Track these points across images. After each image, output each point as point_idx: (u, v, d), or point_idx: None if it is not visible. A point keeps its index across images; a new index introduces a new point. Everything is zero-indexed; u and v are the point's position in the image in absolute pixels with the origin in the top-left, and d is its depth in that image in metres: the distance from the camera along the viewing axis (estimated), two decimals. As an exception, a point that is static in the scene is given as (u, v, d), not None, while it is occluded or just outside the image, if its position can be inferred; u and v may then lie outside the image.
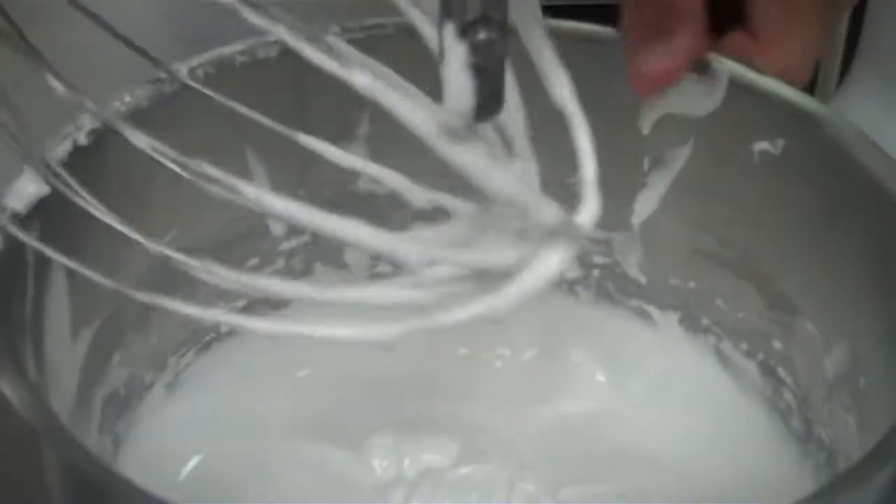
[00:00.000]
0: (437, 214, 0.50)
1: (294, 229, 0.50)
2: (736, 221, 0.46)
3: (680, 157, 0.47)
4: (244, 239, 0.48)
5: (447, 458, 0.47)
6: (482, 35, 0.32)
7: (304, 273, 0.51)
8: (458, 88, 0.32)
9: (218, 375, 0.49)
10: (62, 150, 0.40)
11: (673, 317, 0.50)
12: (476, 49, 0.31)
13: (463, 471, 0.47)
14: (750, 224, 0.46)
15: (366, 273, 0.52)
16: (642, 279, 0.50)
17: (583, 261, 0.51)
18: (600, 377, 0.51)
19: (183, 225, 0.46)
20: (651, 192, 0.48)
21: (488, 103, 0.33)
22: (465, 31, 0.32)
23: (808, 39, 0.44)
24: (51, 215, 0.39)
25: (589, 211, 0.38)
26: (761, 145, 0.44)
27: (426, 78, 0.35)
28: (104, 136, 0.41)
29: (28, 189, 0.38)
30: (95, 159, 0.41)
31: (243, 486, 0.46)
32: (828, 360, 0.43)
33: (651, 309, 0.51)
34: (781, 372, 0.47)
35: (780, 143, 0.44)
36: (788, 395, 0.46)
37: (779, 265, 0.45)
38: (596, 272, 0.51)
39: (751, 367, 0.48)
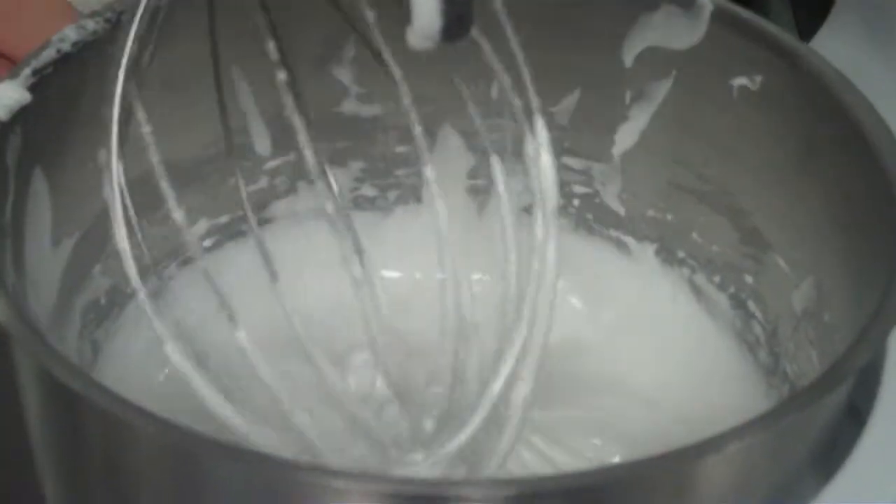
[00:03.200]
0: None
1: (279, 148, 0.51)
2: (713, 156, 0.47)
3: (661, 91, 0.47)
4: (228, 155, 0.49)
5: (419, 378, 0.48)
6: None
7: (287, 192, 0.52)
8: (426, 10, 0.32)
9: (200, 289, 0.49)
10: (46, 56, 0.40)
11: (649, 248, 0.51)
12: None
13: (434, 390, 0.48)
14: (727, 159, 0.46)
15: (349, 196, 0.53)
16: (621, 210, 0.51)
17: (563, 190, 0.52)
18: (576, 304, 0.52)
19: (167, 138, 0.46)
20: (632, 124, 0.49)
21: (455, 25, 0.33)
22: None
23: None
24: (32, 124, 0.39)
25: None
26: (740, 80, 0.45)
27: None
28: (89, 47, 0.42)
29: (10, 96, 0.38)
30: (78, 69, 0.41)
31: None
32: (796, 294, 0.44)
33: (628, 239, 0.51)
34: (751, 305, 0.47)
35: (759, 79, 0.44)
36: (757, 329, 0.47)
37: (753, 200, 0.46)
38: (576, 202, 0.52)
39: (722, 300, 0.49)
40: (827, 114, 0.42)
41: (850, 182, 0.41)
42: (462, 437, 0.42)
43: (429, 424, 0.46)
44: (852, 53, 0.53)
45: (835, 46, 0.53)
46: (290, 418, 0.44)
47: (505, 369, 0.43)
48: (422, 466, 0.43)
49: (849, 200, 0.41)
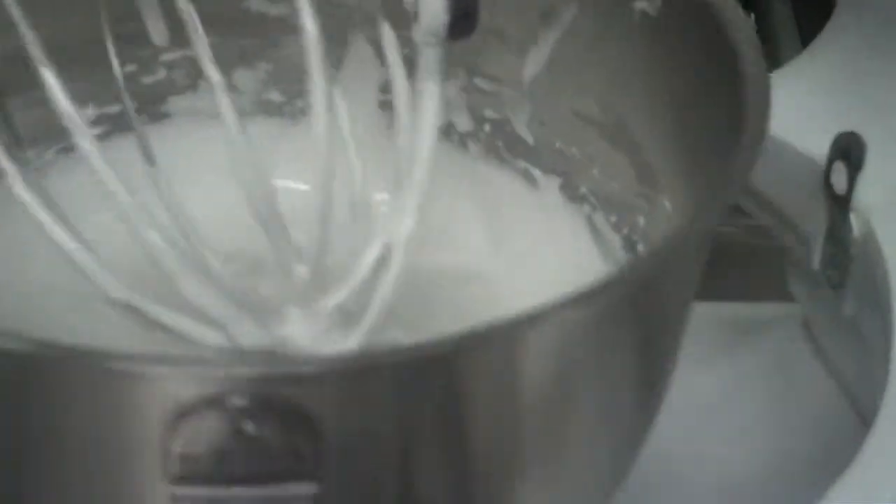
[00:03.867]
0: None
1: (177, 40, 0.49)
2: (614, 86, 0.44)
3: (568, 13, 0.45)
4: (120, 40, 0.47)
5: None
6: None
7: (188, 87, 0.50)
8: (432, 7, 0.33)
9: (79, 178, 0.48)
10: None
11: (555, 182, 0.48)
12: None
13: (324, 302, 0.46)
14: (625, 89, 0.44)
15: (254, 98, 0.51)
16: (530, 139, 0.49)
17: (474, 114, 0.49)
18: (479, 233, 0.49)
19: (53, 16, 0.44)
20: (541, 48, 0.46)
21: (462, 22, 0.33)
22: None
23: None
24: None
25: None
26: (640, 4, 0.42)
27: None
28: None
29: None
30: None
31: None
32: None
33: (536, 172, 0.49)
34: (641, 249, 0.45)
35: (657, 3, 0.41)
36: (644, 275, 0.45)
37: (648, 135, 0.43)
38: (487, 127, 0.50)
39: (616, 241, 0.46)
40: (716, 50, 0.39)
41: (735, 126, 0.38)
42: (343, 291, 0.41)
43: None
44: (855, 55, 0.51)
45: (837, 48, 0.52)
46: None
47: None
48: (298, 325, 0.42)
49: (731, 143, 0.38)
